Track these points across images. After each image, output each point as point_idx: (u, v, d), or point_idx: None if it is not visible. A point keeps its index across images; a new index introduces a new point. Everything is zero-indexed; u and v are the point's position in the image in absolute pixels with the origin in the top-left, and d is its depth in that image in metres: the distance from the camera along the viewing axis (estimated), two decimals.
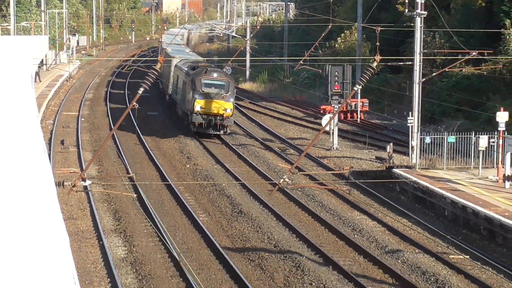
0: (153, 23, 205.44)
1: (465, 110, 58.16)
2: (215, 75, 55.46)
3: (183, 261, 28.60)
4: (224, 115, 54.22)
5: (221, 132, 55.70)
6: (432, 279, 28.80)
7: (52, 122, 62.31)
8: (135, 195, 38.41)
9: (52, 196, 11.48)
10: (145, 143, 53.38)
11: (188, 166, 48.12)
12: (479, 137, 42.13)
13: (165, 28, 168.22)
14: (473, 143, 42.81)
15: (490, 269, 29.90)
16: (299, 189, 40.95)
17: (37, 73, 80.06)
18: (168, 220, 35.55)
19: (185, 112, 58.14)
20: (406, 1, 45.78)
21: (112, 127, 57.05)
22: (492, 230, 33.87)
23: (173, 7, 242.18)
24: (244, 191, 41.61)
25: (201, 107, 54.14)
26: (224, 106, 54.04)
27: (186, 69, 60.06)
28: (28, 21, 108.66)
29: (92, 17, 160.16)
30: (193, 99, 54.37)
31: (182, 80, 60.55)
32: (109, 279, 27.76)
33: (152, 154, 50.15)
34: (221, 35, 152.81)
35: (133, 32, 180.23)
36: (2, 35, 78.16)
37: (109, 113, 68.03)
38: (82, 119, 64.80)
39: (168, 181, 42.40)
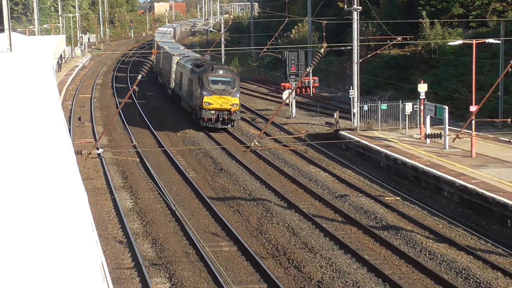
0: (147, 22, 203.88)
1: (394, 83, 58.18)
2: (221, 72, 47.45)
3: (178, 209, 28.47)
4: (232, 110, 46.45)
5: (229, 126, 47.51)
6: (372, 216, 28.87)
7: (70, 103, 61.63)
8: (138, 159, 38.20)
9: (72, 161, 11.43)
10: (145, 118, 52.90)
11: (179, 134, 47.79)
12: (405, 104, 42.26)
13: (157, 26, 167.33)
14: (400, 109, 42.91)
15: (416, 207, 30.03)
16: (267, 150, 40.82)
17: (59, 65, 79.15)
18: (165, 178, 35.34)
19: (193, 108, 49.62)
20: None
21: (118, 106, 56.55)
22: (417, 176, 33.97)
23: (163, 9, 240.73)
24: (224, 153, 41.42)
25: (209, 103, 46.20)
26: (231, 101, 46.32)
27: (190, 66, 51.70)
28: (49, 24, 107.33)
29: (99, 19, 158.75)
30: (201, 96, 46.49)
31: (187, 77, 51.85)
32: (120, 225, 27.61)
33: (150, 126, 49.75)
34: (201, 30, 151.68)
35: (132, 30, 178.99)
36: (29, 35, 77.08)
37: (115, 95, 67.42)
38: (95, 100, 64.14)
39: (164, 147, 42.11)
